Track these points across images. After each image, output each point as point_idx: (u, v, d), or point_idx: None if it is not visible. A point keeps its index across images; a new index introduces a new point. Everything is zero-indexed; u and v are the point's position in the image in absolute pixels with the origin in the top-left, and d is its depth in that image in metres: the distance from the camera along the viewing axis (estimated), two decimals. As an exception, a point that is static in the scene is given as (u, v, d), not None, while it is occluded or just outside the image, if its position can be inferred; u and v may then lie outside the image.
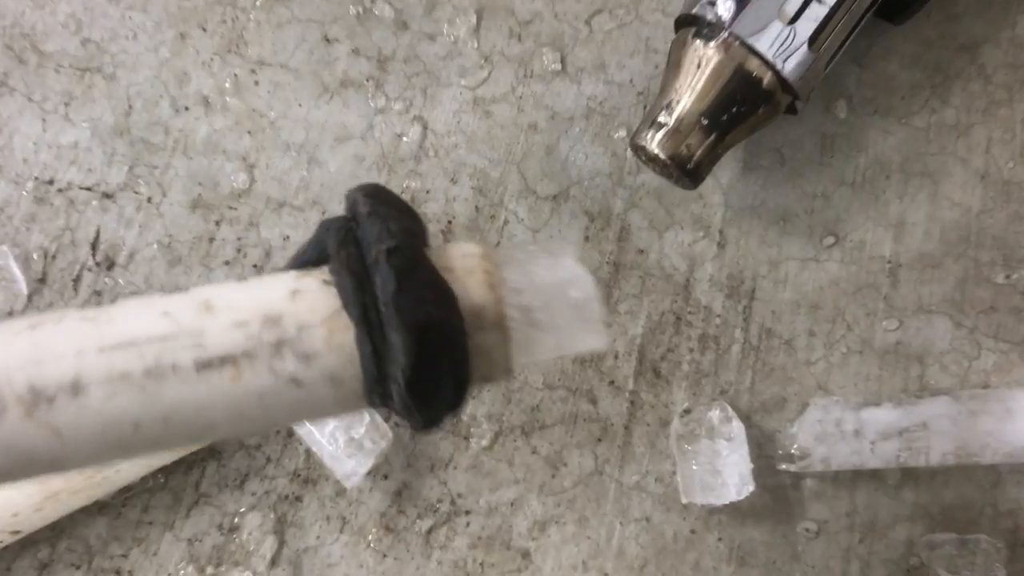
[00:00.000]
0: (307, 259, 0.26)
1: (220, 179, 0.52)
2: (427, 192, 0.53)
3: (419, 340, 0.23)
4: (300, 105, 0.53)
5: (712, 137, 0.46)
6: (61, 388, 0.22)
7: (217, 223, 0.52)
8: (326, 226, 0.25)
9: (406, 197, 0.52)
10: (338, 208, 0.52)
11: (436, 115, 0.53)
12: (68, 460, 0.23)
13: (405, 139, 0.53)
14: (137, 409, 0.22)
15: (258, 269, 0.52)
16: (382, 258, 0.23)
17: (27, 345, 0.22)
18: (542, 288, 0.25)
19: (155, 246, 0.51)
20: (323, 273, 0.24)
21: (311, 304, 0.24)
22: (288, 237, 0.52)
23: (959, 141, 0.54)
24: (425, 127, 0.53)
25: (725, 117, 0.45)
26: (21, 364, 0.22)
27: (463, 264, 0.25)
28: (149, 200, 0.52)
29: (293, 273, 0.25)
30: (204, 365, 0.23)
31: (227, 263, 0.51)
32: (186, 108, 0.53)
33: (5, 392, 0.21)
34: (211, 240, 0.51)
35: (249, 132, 0.53)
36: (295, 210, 0.52)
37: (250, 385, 0.23)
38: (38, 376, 0.22)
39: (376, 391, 0.24)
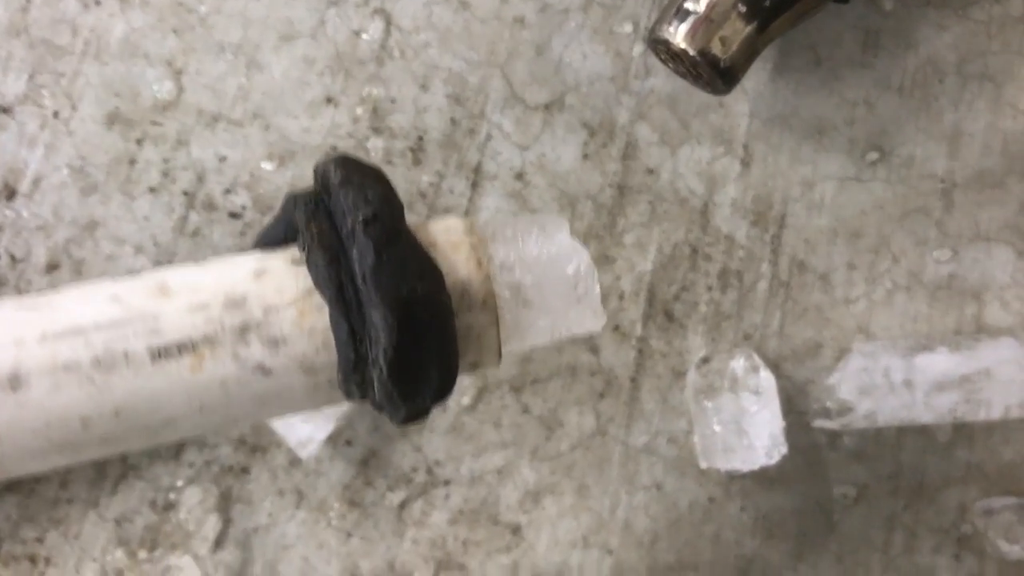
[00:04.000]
0: (272, 238, 0.25)
1: (141, 88, 0.47)
2: (392, 102, 0.48)
3: (402, 318, 0.22)
4: (236, -3, 0.49)
5: (751, 27, 0.41)
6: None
7: (139, 142, 0.47)
8: (292, 199, 0.24)
9: (367, 107, 0.48)
10: (284, 121, 0.47)
11: (402, 7, 0.49)
12: (6, 463, 0.22)
13: (364, 37, 0.48)
14: (85, 403, 0.22)
15: (188, 196, 0.47)
16: (359, 228, 0.22)
17: None
18: (534, 265, 0.25)
19: (65, 171, 0.46)
20: (291, 251, 0.24)
21: (278, 284, 0.23)
22: (225, 158, 0.47)
23: (1026, 37, 0.49)
24: (388, 22, 0.49)
25: (767, 2, 0.41)
26: None
27: (447, 239, 0.24)
28: (55, 115, 0.47)
29: (257, 253, 0.24)
30: (160, 353, 0.22)
31: (152, 190, 0.47)
32: (97, 2, 0.48)
33: None
34: (132, 162, 0.47)
35: (175, 31, 0.48)
36: (232, 125, 0.47)
37: (212, 375, 0.22)
38: None
39: (353, 379, 0.23)
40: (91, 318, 0.22)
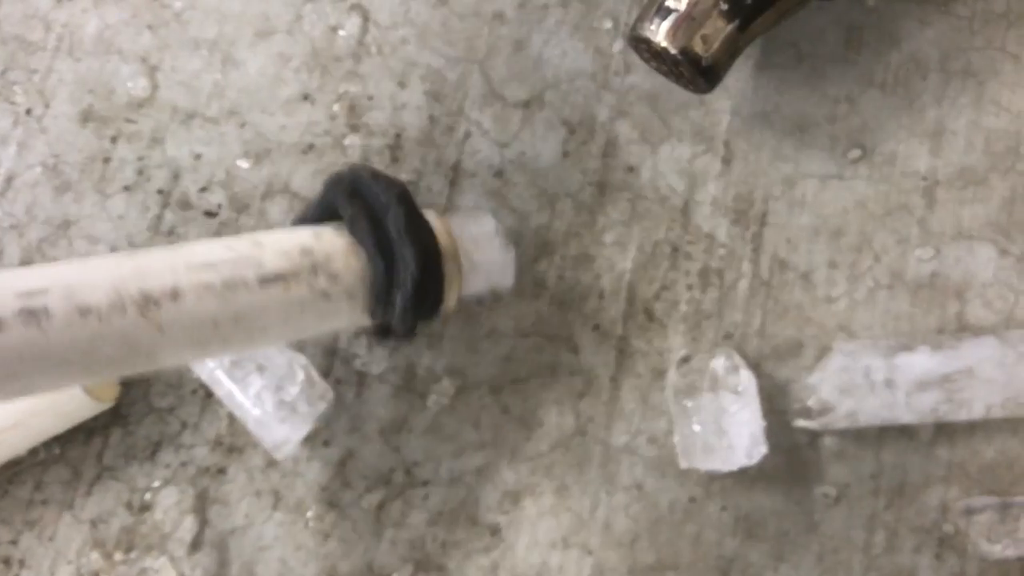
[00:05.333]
0: (312, 218, 0.36)
1: (115, 85, 0.47)
2: (370, 99, 0.47)
3: (425, 256, 0.34)
4: (211, -8, 0.48)
5: (733, 26, 0.41)
6: (164, 294, 0.30)
7: (113, 140, 0.46)
8: (331, 191, 0.36)
9: (344, 104, 0.47)
10: (260, 119, 0.47)
11: (379, 2, 0.48)
12: (162, 354, 0.31)
13: (341, 33, 0.48)
14: (217, 312, 0.31)
15: (163, 194, 0.47)
16: (394, 200, 0.34)
17: (131, 263, 0.30)
18: (474, 239, 0.39)
19: (38, 169, 0.46)
20: (332, 225, 0.35)
21: (331, 241, 0.34)
22: (200, 155, 0.46)
23: (1009, 33, 0.48)
24: (366, 18, 0.48)
25: (749, 0, 0.41)
26: (131, 276, 0.30)
27: (428, 217, 0.37)
28: (28, 112, 0.46)
29: (306, 227, 0.35)
30: (264, 281, 0.32)
31: (127, 188, 0.47)
32: (70, -3, 0.48)
33: (124, 295, 0.29)
34: (106, 160, 0.46)
35: (149, 27, 0.47)
36: (208, 122, 0.47)
37: (295, 296, 0.33)
38: (146, 285, 0.30)
39: (381, 301, 0.34)
40: (217, 257, 0.32)
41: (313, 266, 0.33)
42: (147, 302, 0.29)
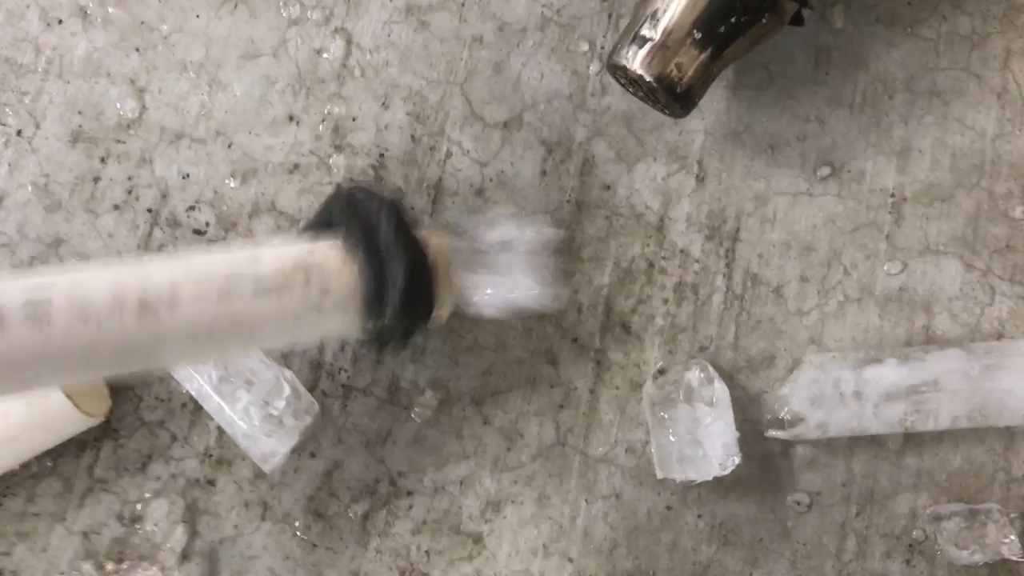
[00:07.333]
0: (316, 226, 0.38)
1: (104, 107, 0.47)
2: (353, 120, 0.47)
3: (413, 267, 0.36)
4: (198, 16, 0.48)
5: (706, 54, 0.41)
6: (161, 302, 0.32)
7: (103, 160, 0.47)
8: (329, 206, 0.39)
9: (328, 125, 0.48)
10: (246, 139, 0.47)
11: (362, 26, 0.48)
12: (159, 357, 0.34)
13: (325, 56, 0.48)
14: (212, 321, 0.33)
15: (152, 213, 0.47)
16: (385, 214, 0.36)
17: (131, 272, 0.32)
18: (502, 240, 0.39)
19: (29, 188, 0.46)
20: (326, 240, 0.36)
21: (324, 257, 0.35)
22: (188, 175, 0.47)
23: (973, 54, 0.49)
24: (349, 41, 0.48)
25: (722, 29, 0.41)
26: (132, 283, 0.31)
27: (423, 234, 0.38)
28: (19, 133, 0.47)
29: (302, 241, 0.36)
30: (259, 293, 0.33)
31: (116, 207, 0.47)
32: (59, 21, 0.48)
33: (123, 301, 0.31)
34: (96, 180, 0.46)
35: (137, 49, 0.47)
36: (195, 143, 0.47)
37: (288, 308, 0.34)
38: (145, 292, 0.31)
39: (373, 310, 0.36)
40: (216, 269, 0.33)
41: (306, 280, 0.34)
42: (145, 309, 0.31)
